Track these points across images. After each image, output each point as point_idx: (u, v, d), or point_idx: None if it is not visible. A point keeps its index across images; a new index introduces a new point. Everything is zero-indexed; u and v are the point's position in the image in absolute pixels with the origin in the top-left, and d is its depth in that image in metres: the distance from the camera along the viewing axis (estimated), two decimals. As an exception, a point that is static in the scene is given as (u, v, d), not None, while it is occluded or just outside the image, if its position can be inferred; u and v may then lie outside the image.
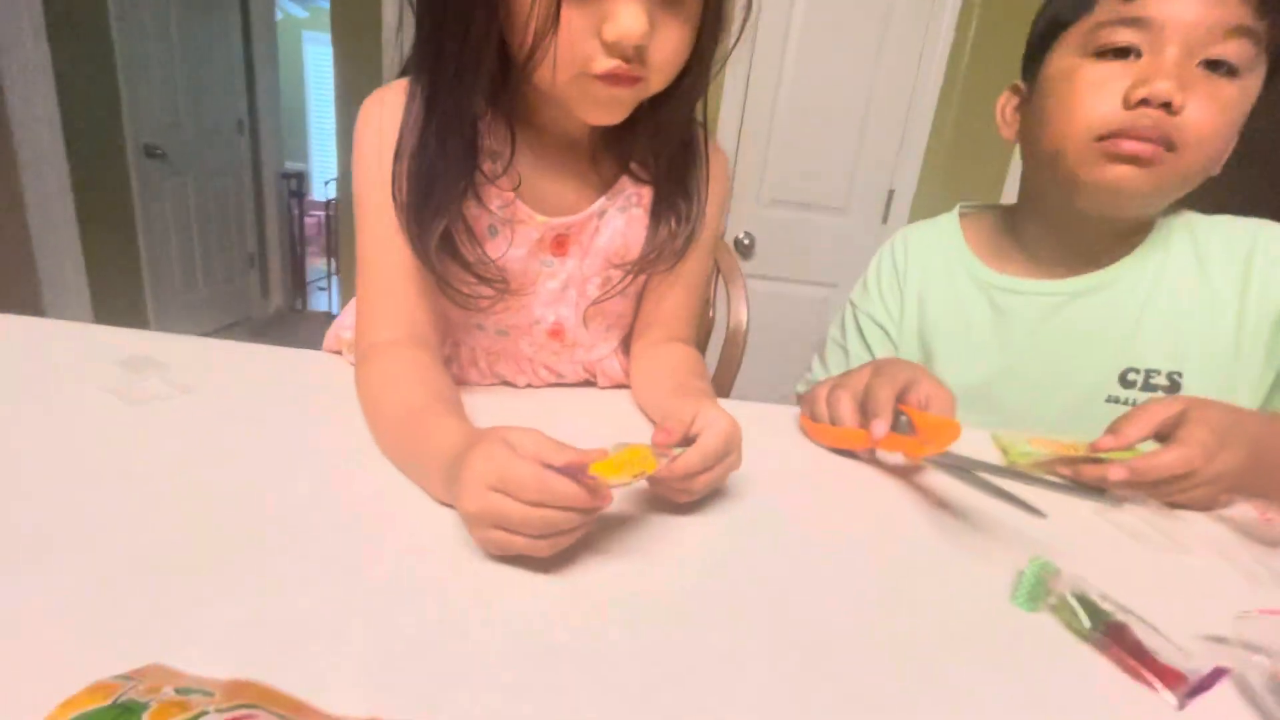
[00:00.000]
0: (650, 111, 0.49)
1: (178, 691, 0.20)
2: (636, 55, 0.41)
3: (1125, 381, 0.63)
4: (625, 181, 0.54)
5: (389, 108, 0.48)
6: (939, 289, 0.72)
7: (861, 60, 1.82)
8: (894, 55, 1.82)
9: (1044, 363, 0.66)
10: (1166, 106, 0.51)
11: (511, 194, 0.50)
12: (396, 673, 0.26)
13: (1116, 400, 0.63)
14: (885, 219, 1.96)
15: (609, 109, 0.45)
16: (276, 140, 3.59)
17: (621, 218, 0.55)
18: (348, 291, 2.35)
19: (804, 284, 2.01)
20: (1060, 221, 0.64)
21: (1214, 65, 0.51)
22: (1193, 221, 0.65)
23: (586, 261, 0.55)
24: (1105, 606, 0.32)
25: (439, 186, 0.46)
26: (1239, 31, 0.50)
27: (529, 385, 0.60)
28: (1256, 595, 0.38)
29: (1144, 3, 0.52)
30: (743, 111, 1.86)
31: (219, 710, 0.19)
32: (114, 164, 2.63)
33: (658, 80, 0.44)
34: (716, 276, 0.97)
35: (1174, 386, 0.61)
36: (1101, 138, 0.54)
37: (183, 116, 2.90)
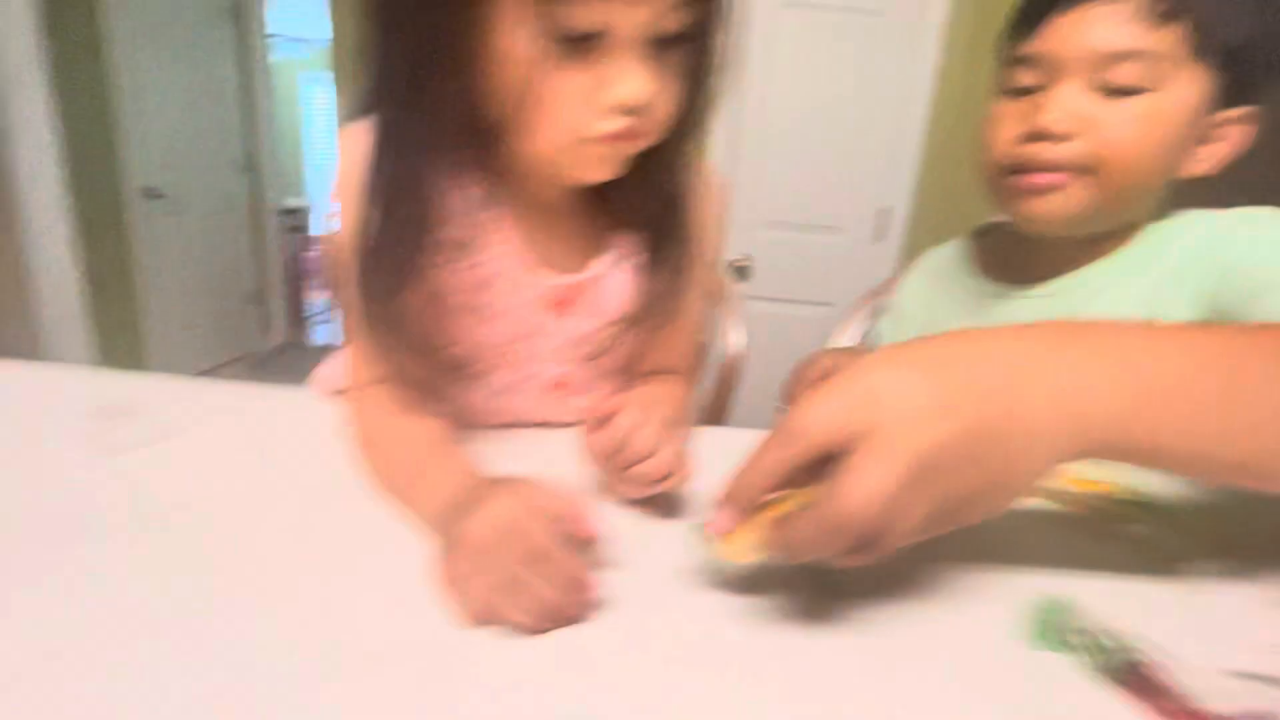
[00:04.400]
0: (638, 164, 0.46)
1: None
2: (639, 112, 0.39)
3: None
4: (618, 236, 0.52)
5: (356, 148, 0.45)
6: (943, 306, 0.72)
7: (850, 76, 1.84)
8: (881, 69, 1.84)
9: None
10: (1057, 136, 0.53)
11: (492, 257, 0.48)
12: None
13: None
14: (879, 237, 1.96)
15: (605, 167, 0.43)
16: (276, 177, 3.63)
17: (621, 275, 0.53)
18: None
19: (802, 304, 2.00)
20: (1024, 234, 0.63)
21: (1112, 90, 0.52)
22: (1188, 221, 0.61)
23: (587, 320, 0.53)
24: (1123, 642, 0.30)
25: (392, 257, 0.43)
26: (1124, 56, 0.51)
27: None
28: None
29: (1036, 41, 0.55)
30: (738, 133, 1.88)
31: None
32: (113, 206, 2.65)
33: (656, 134, 0.43)
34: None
35: None
36: (1006, 173, 0.57)
37: (182, 157, 2.94)
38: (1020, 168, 0.56)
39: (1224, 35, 0.51)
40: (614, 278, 0.53)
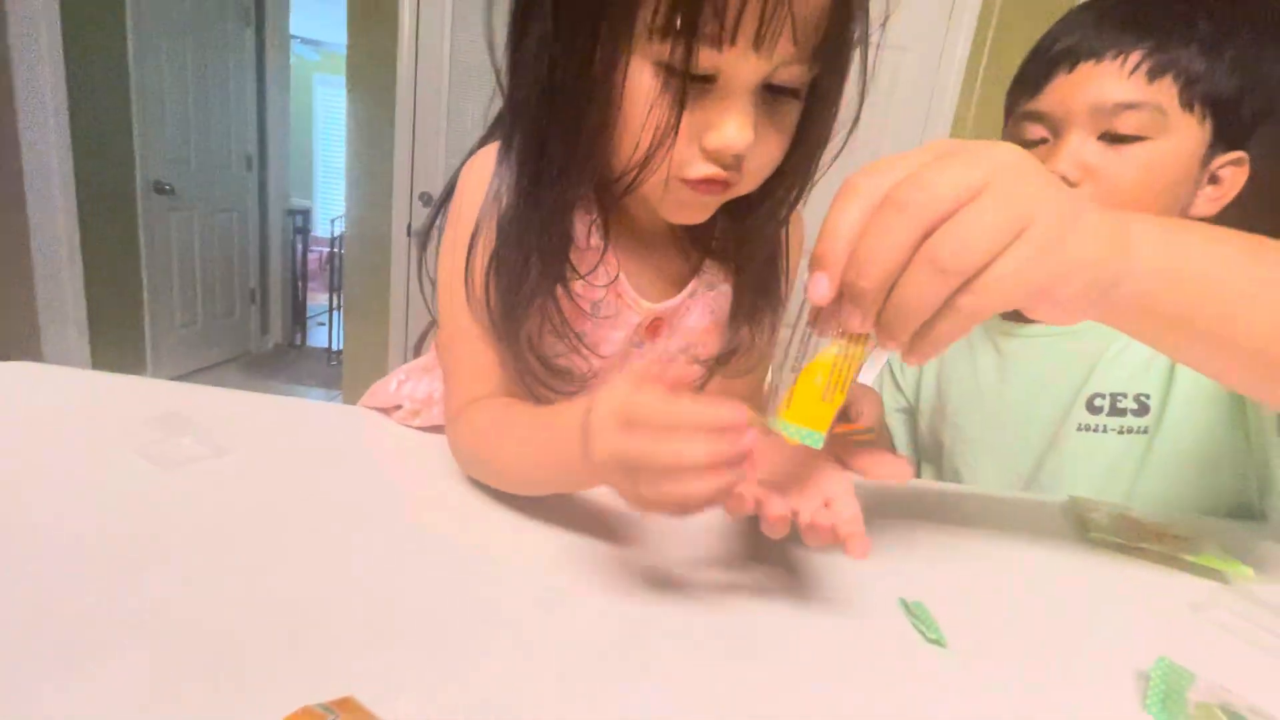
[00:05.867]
0: (735, 213, 0.47)
1: None
2: (734, 163, 0.39)
3: (1091, 407, 0.63)
4: (709, 263, 0.53)
5: (476, 176, 0.46)
6: (959, 342, 0.74)
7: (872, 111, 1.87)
8: (902, 104, 1.87)
9: (1016, 394, 0.69)
10: (1069, 184, 0.56)
11: (606, 285, 0.49)
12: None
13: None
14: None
15: (694, 211, 0.44)
16: (284, 177, 3.63)
17: (710, 294, 0.54)
18: (352, 329, 2.33)
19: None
20: None
21: (1116, 138, 0.57)
22: None
23: (672, 340, 0.54)
24: (1243, 716, 0.29)
25: (527, 283, 0.44)
26: (1125, 107, 0.56)
27: None
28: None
29: (1042, 99, 0.60)
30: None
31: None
32: (122, 199, 2.63)
33: (747, 185, 0.43)
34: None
35: (1142, 409, 0.61)
36: None
37: (193, 151, 2.93)
38: None
39: (1206, 89, 0.56)
40: (700, 300, 0.53)
